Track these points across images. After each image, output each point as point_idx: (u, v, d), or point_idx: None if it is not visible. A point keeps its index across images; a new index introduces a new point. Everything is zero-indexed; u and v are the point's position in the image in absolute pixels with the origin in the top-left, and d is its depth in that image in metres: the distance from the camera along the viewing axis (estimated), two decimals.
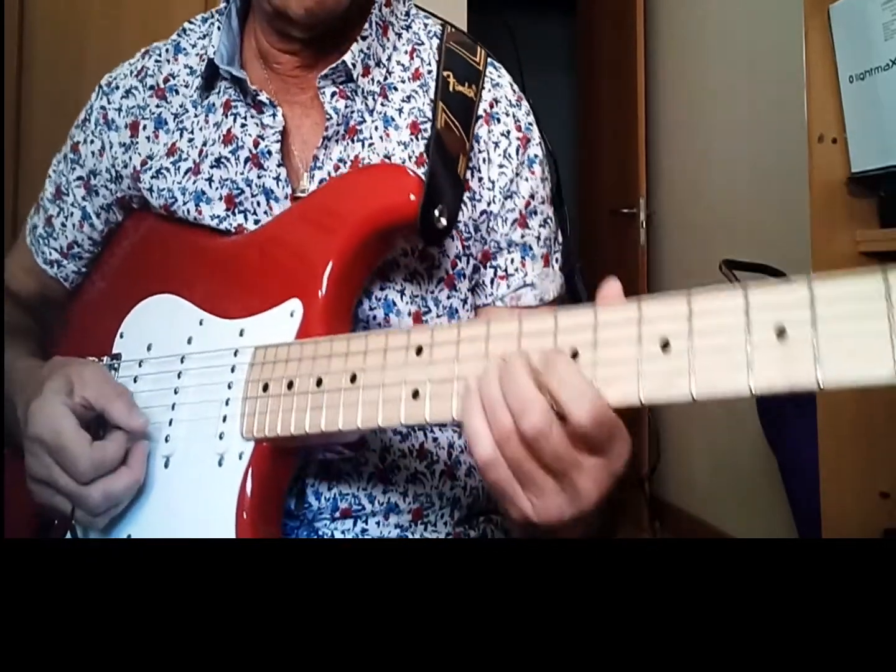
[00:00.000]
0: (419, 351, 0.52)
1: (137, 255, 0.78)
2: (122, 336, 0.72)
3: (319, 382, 0.56)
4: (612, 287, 0.46)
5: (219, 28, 0.74)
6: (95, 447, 0.59)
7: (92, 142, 0.78)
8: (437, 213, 0.61)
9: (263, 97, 0.69)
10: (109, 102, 0.77)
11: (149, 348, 0.70)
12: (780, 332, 0.40)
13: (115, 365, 0.71)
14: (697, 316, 0.42)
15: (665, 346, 0.43)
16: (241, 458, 0.60)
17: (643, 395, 0.43)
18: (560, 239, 0.76)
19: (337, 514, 0.67)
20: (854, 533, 1.14)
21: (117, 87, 0.77)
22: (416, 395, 0.51)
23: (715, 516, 2.43)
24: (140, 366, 0.69)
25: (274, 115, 0.69)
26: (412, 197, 0.61)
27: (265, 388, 0.59)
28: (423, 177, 0.62)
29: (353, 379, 0.54)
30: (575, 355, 0.45)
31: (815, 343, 0.39)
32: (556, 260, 0.76)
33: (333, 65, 0.68)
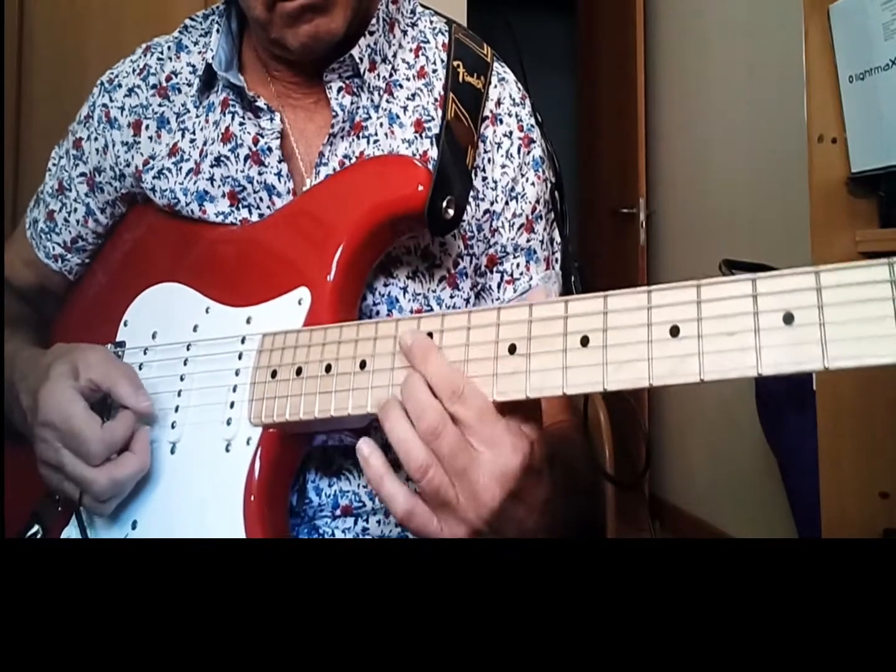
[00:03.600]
0: (429, 336, 0.52)
1: (141, 245, 0.78)
2: (126, 324, 0.72)
3: (329, 368, 0.57)
4: (536, 295, 0.50)
5: (218, 31, 0.74)
6: (105, 428, 0.60)
7: (95, 139, 0.77)
8: (444, 204, 0.61)
9: (261, 103, 0.70)
10: (112, 101, 0.77)
11: (153, 336, 0.70)
12: (788, 318, 0.41)
13: (119, 353, 0.71)
14: (706, 303, 0.44)
15: (675, 331, 0.44)
16: (248, 443, 0.60)
17: (654, 376, 0.44)
18: (558, 239, 0.77)
19: (338, 512, 0.67)
20: (854, 533, 1.14)
21: (119, 86, 0.77)
22: None
23: (715, 516, 2.43)
24: (145, 353, 0.69)
25: (272, 118, 0.70)
26: (420, 188, 0.61)
27: (273, 374, 0.60)
28: (431, 168, 0.62)
29: (363, 365, 0.55)
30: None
31: (821, 327, 0.40)
32: (556, 260, 0.76)
33: (340, 58, 0.68)
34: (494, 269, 0.73)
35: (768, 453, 1.80)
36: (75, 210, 0.80)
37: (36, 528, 0.67)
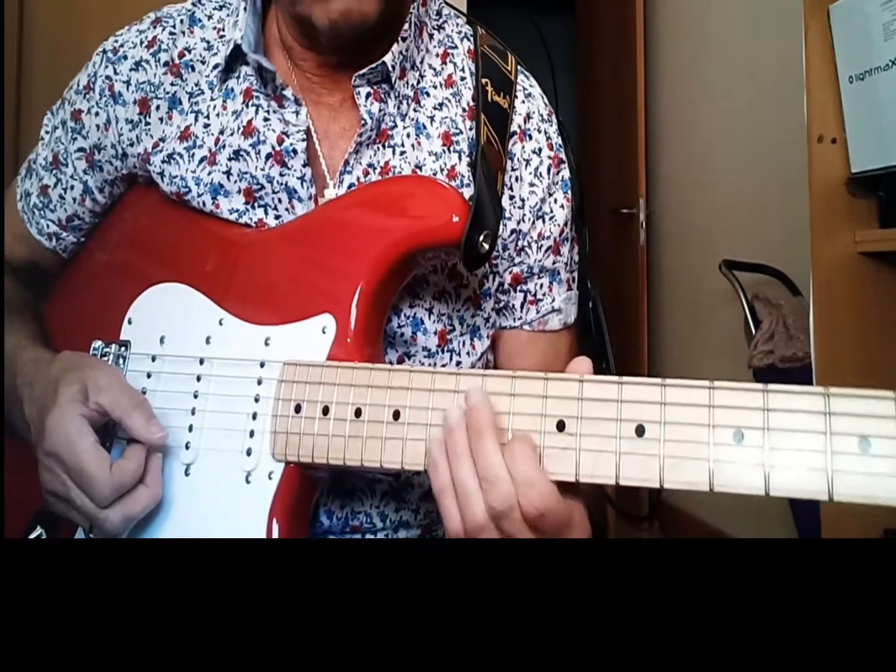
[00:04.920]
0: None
1: (145, 232, 0.74)
2: (130, 322, 0.69)
3: (358, 413, 0.55)
4: (581, 364, 0.49)
5: (245, 9, 0.69)
6: (115, 470, 0.57)
7: (97, 114, 0.72)
8: (481, 238, 0.59)
9: (288, 92, 0.66)
10: (116, 73, 0.71)
11: (161, 341, 0.67)
12: (864, 446, 0.39)
13: (125, 354, 0.68)
14: (773, 412, 0.42)
15: (739, 436, 0.43)
16: (270, 477, 0.59)
17: (715, 483, 0.43)
18: (577, 259, 0.77)
19: (347, 530, 0.67)
20: (854, 533, 1.14)
21: (125, 57, 0.72)
22: None
23: (715, 516, 2.43)
24: (153, 360, 0.67)
25: (297, 112, 0.67)
26: (455, 218, 0.59)
27: (297, 409, 0.58)
28: (469, 201, 0.60)
29: (396, 416, 0.53)
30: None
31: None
32: (574, 280, 0.76)
33: (373, 65, 0.66)
34: (518, 287, 0.72)
35: None
36: (72, 188, 0.74)
37: (39, 531, 0.66)
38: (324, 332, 0.60)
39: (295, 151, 0.66)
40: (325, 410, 0.56)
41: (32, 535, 0.66)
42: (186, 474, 0.62)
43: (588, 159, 3.40)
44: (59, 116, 0.76)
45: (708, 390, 0.44)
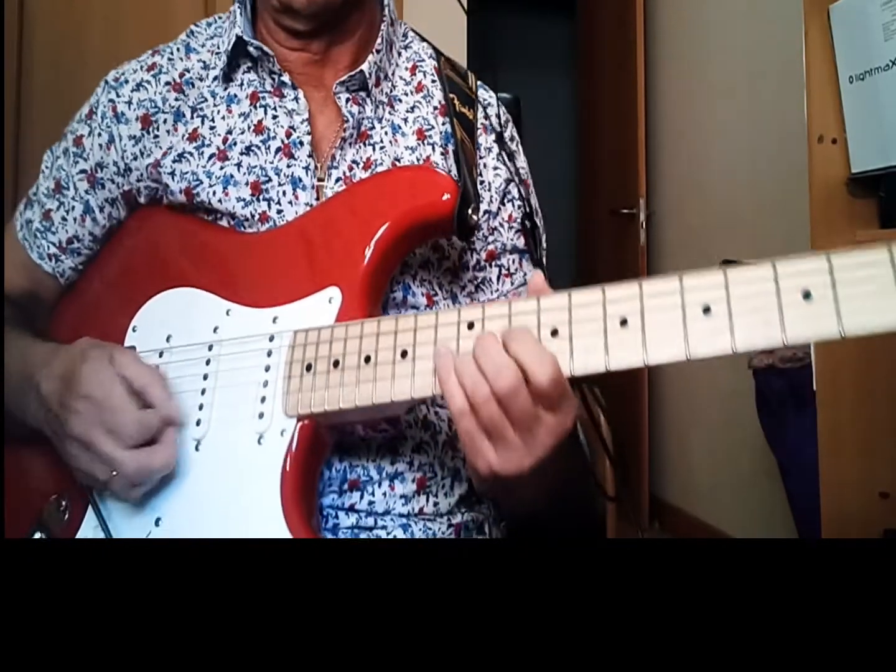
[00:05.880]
0: (471, 326, 0.56)
1: (146, 250, 0.77)
2: (134, 330, 0.71)
3: (368, 359, 0.59)
4: (536, 279, 0.57)
5: (240, 13, 0.77)
6: (143, 413, 0.61)
7: (99, 134, 0.77)
8: (470, 210, 0.68)
9: (286, 78, 0.74)
10: (119, 96, 0.77)
11: (167, 339, 0.69)
12: (806, 295, 0.47)
13: None
14: (734, 284, 0.49)
15: (706, 310, 0.50)
16: (282, 434, 0.61)
17: (690, 352, 0.50)
18: (544, 245, 0.85)
19: (345, 487, 0.69)
20: (854, 533, 1.14)
21: (126, 81, 0.78)
22: None
23: (715, 516, 2.43)
24: (160, 356, 0.68)
25: (296, 98, 0.74)
26: (446, 196, 0.66)
27: (308, 367, 0.62)
28: (457, 178, 0.69)
29: (404, 354, 0.58)
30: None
31: (836, 301, 0.46)
32: (544, 257, 0.84)
33: (352, 73, 0.75)
34: (493, 262, 0.80)
35: (768, 453, 1.80)
36: (73, 208, 0.79)
37: (39, 536, 0.66)
38: (330, 302, 0.65)
39: (301, 143, 0.74)
40: (336, 363, 0.60)
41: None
42: (197, 449, 0.64)
43: (588, 159, 3.40)
44: (59, 148, 0.81)
45: (678, 280, 0.51)
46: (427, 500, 0.72)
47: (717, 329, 0.49)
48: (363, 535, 0.69)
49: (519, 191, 0.81)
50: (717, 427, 2.41)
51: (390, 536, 0.69)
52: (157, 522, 0.63)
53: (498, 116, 0.83)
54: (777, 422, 1.71)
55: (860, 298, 0.46)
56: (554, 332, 0.54)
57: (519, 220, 0.80)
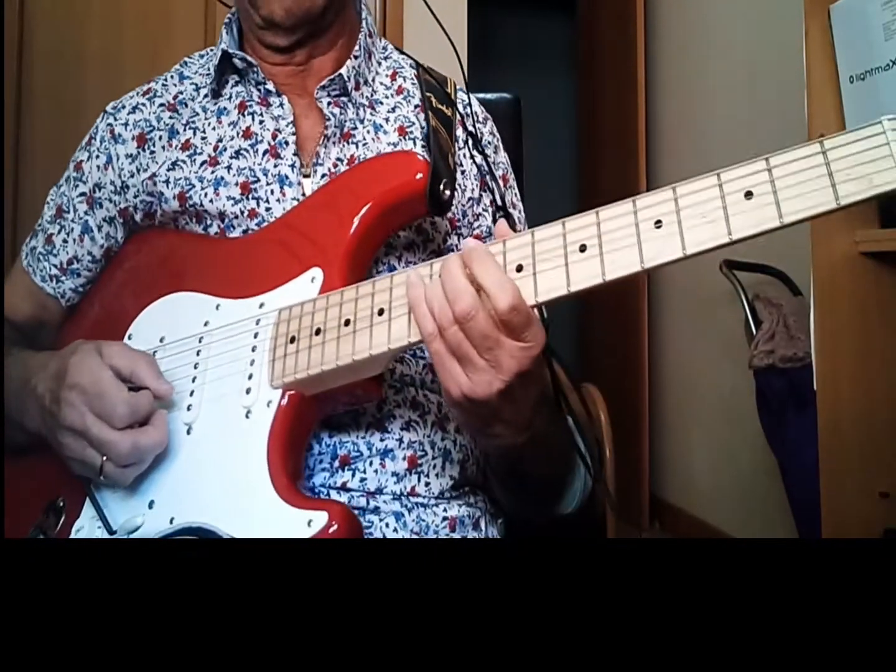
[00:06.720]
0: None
1: (140, 269, 0.80)
2: (130, 338, 0.74)
3: (347, 322, 0.61)
4: (501, 226, 0.60)
5: (227, 32, 0.82)
6: (131, 395, 0.64)
7: (97, 157, 0.83)
8: (441, 186, 0.70)
9: (271, 86, 0.79)
10: (116, 120, 0.83)
11: (161, 340, 0.72)
12: (748, 194, 0.51)
13: None
14: (682, 196, 0.53)
15: (658, 223, 0.53)
16: (269, 405, 0.63)
17: (645, 259, 0.53)
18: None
19: (336, 464, 0.71)
20: (854, 533, 1.14)
21: (123, 107, 0.84)
22: None
23: (715, 516, 2.43)
24: (154, 354, 0.71)
25: (282, 104, 0.79)
26: (419, 175, 0.69)
27: (292, 339, 0.64)
28: (428, 159, 0.71)
29: (381, 312, 0.60)
30: (520, 269, 0.57)
31: (775, 195, 0.50)
32: None
33: (331, 76, 0.79)
34: None
35: (769, 453, 1.80)
36: (72, 230, 0.83)
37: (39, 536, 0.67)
38: (312, 282, 0.67)
39: (287, 143, 0.78)
40: (318, 331, 0.63)
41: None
42: (188, 433, 0.66)
43: (588, 159, 3.40)
44: (62, 179, 0.86)
45: (632, 202, 0.55)
46: (419, 480, 0.73)
47: (667, 235, 0.52)
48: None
49: (492, 184, 0.84)
50: (717, 427, 2.41)
51: (383, 523, 0.70)
52: (150, 505, 0.64)
53: (476, 115, 0.88)
54: (777, 422, 1.71)
55: (796, 188, 0.50)
56: (519, 268, 0.57)
57: (492, 211, 0.84)
